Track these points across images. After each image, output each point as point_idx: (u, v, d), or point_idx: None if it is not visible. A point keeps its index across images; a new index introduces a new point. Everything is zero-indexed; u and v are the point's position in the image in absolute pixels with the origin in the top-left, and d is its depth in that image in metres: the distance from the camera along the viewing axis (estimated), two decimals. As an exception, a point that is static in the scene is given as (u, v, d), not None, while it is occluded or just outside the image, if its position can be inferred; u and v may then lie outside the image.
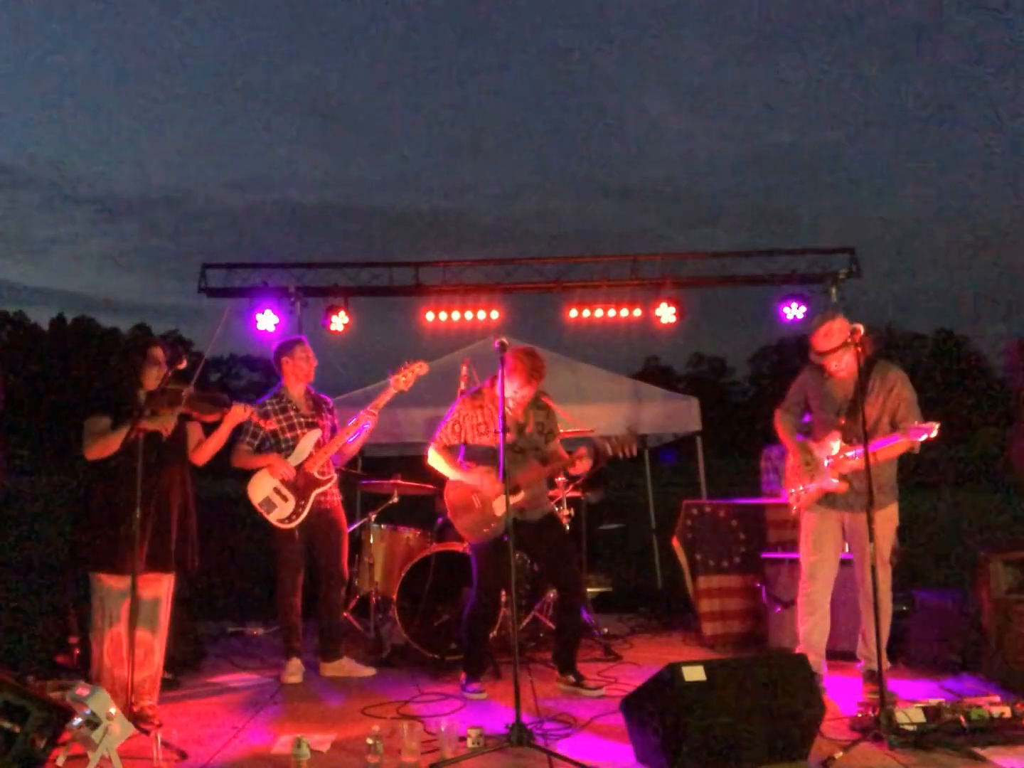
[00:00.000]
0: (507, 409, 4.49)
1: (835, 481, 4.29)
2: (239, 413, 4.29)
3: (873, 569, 3.86)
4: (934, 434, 3.98)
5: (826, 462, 4.33)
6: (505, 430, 4.23)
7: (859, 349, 4.03)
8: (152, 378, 4.13)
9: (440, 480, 4.81)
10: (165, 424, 4.02)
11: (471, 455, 4.62)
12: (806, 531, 4.46)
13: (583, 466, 4.50)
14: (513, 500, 4.37)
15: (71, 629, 4.78)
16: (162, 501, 4.09)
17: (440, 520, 5.70)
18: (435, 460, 4.66)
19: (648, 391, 7.96)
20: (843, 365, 4.29)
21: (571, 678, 4.54)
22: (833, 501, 4.36)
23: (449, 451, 4.64)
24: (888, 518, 4.29)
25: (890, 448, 4.17)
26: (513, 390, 4.48)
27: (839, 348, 4.23)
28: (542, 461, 4.58)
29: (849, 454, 4.24)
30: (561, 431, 4.85)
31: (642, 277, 7.53)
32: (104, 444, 4.01)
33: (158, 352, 4.19)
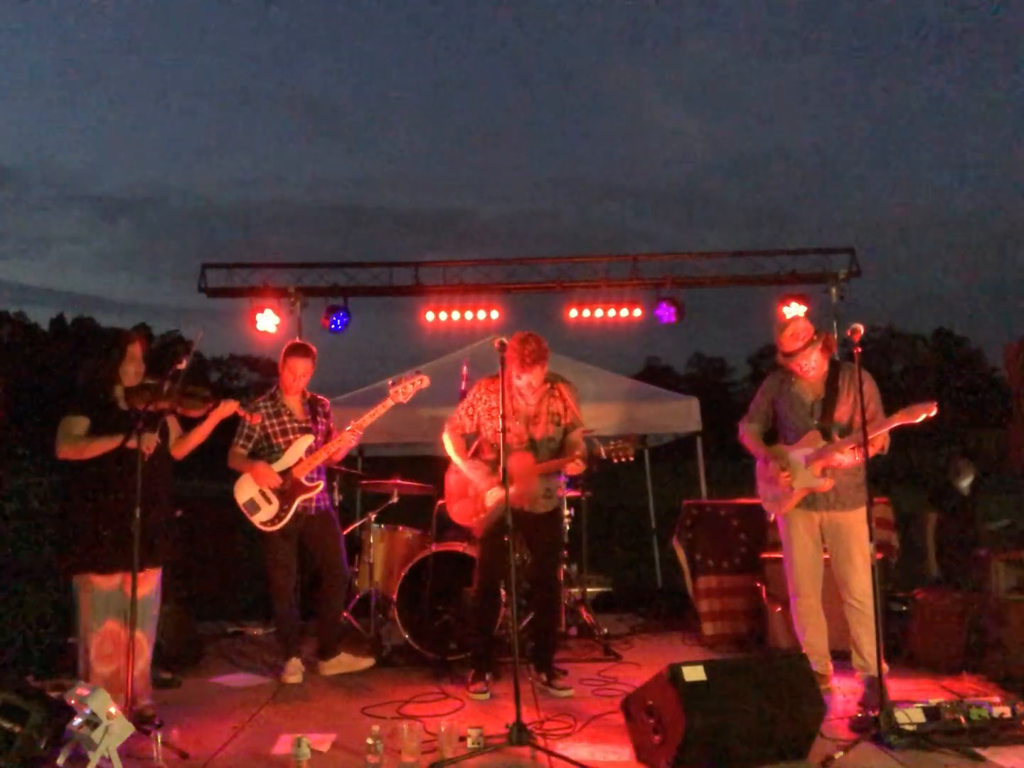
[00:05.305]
0: (520, 402, 4.48)
1: (822, 479, 4.27)
2: (224, 408, 4.27)
3: (873, 569, 3.85)
4: (933, 412, 3.99)
5: (804, 462, 4.31)
6: (508, 422, 4.28)
7: (832, 349, 4.24)
8: (131, 373, 4.11)
9: (445, 464, 4.84)
10: (146, 444, 3.93)
11: (487, 448, 4.64)
12: (787, 538, 4.45)
13: (575, 468, 4.45)
14: (503, 493, 4.38)
15: (71, 629, 4.77)
16: (149, 498, 4.02)
17: (439, 503, 5.63)
18: (446, 441, 4.71)
19: (648, 391, 7.96)
20: (812, 364, 4.33)
21: (543, 676, 4.56)
22: (812, 502, 4.35)
23: (464, 438, 4.69)
24: (863, 520, 4.29)
25: (888, 427, 4.13)
26: (518, 379, 4.45)
27: (806, 347, 4.27)
28: (551, 455, 4.53)
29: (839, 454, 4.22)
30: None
31: (642, 277, 7.53)
32: (78, 449, 3.98)
33: (136, 348, 4.15)
